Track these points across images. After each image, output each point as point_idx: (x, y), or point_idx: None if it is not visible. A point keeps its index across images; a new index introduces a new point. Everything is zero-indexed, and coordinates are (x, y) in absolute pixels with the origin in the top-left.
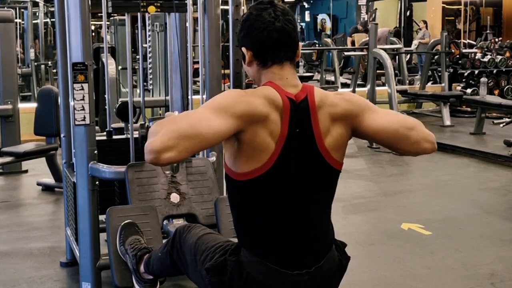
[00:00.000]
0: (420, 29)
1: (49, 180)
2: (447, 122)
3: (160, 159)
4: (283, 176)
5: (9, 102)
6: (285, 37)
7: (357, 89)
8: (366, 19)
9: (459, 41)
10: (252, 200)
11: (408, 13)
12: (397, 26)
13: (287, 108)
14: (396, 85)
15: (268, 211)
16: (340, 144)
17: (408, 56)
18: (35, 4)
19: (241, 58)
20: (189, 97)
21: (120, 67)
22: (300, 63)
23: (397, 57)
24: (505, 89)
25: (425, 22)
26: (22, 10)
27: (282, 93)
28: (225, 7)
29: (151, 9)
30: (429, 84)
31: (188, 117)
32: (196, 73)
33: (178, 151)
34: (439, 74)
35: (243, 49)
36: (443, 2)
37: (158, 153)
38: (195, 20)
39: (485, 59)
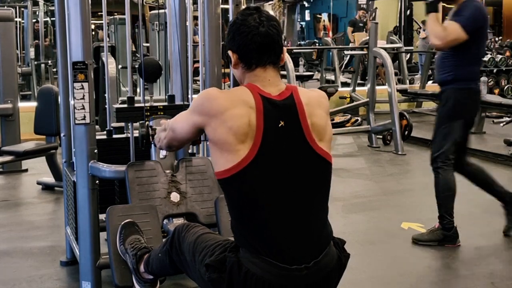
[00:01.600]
0: (422, 30)
1: (49, 179)
2: None
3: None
4: (270, 169)
5: (9, 101)
6: (268, 41)
7: (357, 88)
8: (356, 16)
9: None
10: (243, 196)
11: (408, 12)
12: (397, 25)
13: (259, 104)
14: (396, 84)
15: (261, 205)
16: (328, 136)
17: (408, 55)
18: (35, 3)
19: (227, 58)
20: (189, 96)
21: (120, 66)
22: (300, 62)
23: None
24: (505, 88)
25: (424, 22)
26: (22, 9)
27: (254, 92)
28: (225, 6)
29: None
30: (429, 83)
31: (177, 116)
32: (196, 72)
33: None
34: None
35: (229, 52)
36: (443, 2)
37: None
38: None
39: (485, 59)
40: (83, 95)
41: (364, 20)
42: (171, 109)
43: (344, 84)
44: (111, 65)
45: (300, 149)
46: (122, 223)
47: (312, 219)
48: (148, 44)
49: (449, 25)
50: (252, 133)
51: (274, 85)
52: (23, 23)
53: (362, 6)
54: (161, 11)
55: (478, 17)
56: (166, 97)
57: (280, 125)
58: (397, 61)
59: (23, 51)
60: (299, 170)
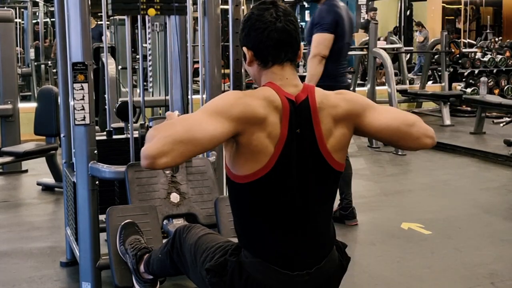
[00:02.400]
0: (418, 32)
1: (49, 180)
2: (447, 121)
3: (155, 164)
4: (284, 178)
5: (9, 102)
6: (286, 37)
7: (357, 88)
8: (366, 17)
9: (459, 40)
10: (252, 202)
11: (408, 13)
12: (397, 25)
13: (286, 110)
14: (396, 84)
15: (269, 213)
16: (342, 145)
17: (408, 55)
18: (35, 4)
19: (241, 58)
20: (189, 96)
21: (120, 67)
22: (300, 63)
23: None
24: (505, 88)
25: (418, 24)
26: (22, 10)
27: (281, 94)
28: (225, 6)
29: (151, 11)
30: (429, 83)
31: (184, 121)
32: (196, 72)
33: (172, 157)
34: (439, 73)
35: (244, 48)
36: (443, 2)
37: (153, 159)
38: (195, 20)
39: (485, 59)
40: (83, 96)
41: (376, 21)
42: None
43: None
44: (111, 66)
45: (311, 159)
46: (122, 223)
47: (317, 226)
48: (148, 45)
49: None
50: (275, 140)
51: (293, 84)
52: (23, 24)
53: (372, 6)
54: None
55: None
56: (166, 98)
57: (297, 131)
58: (397, 62)
59: (23, 52)
60: (309, 180)
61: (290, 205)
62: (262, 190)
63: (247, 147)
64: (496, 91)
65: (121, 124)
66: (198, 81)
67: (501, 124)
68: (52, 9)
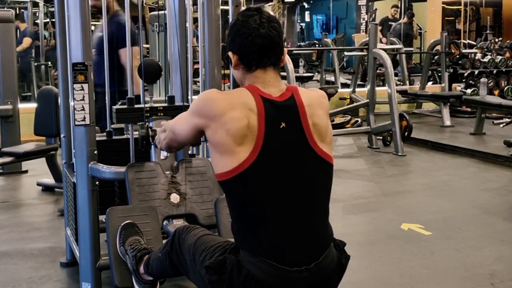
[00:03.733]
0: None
1: (49, 180)
2: (447, 122)
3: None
4: (271, 171)
5: (9, 102)
6: (269, 43)
7: (357, 89)
8: (366, 19)
9: (459, 41)
10: (243, 197)
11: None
12: None
13: (260, 106)
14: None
15: (262, 207)
16: (329, 137)
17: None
18: (35, 5)
19: (227, 59)
20: (189, 97)
21: None
22: (300, 64)
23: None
24: (505, 89)
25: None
26: (22, 10)
27: (255, 93)
28: (225, 7)
29: None
30: (429, 84)
31: (177, 117)
32: (196, 73)
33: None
34: (439, 74)
35: (230, 53)
36: (443, 2)
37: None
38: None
39: (485, 60)
40: (83, 96)
41: (397, 18)
42: (171, 110)
43: (344, 85)
44: None
45: (301, 151)
46: (122, 224)
47: (313, 221)
48: (148, 45)
49: None
50: (252, 135)
51: (275, 86)
52: None
53: (395, 4)
54: (161, 12)
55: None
56: (166, 98)
57: (281, 126)
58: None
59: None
60: (300, 172)
61: (282, 199)
62: (250, 184)
63: (213, 143)
64: (496, 92)
65: (121, 125)
66: (198, 81)
67: (501, 125)
68: (52, 9)
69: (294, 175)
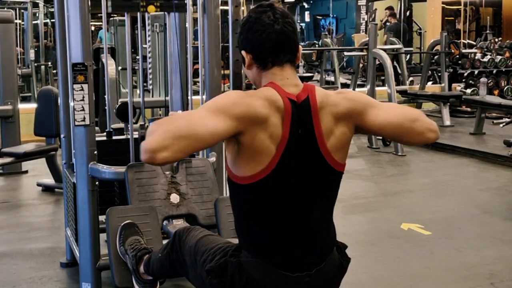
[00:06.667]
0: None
1: (49, 180)
2: (447, 122)
3: (155, 158)
4: (285, 179)
5: (9, 103)
6: (284, 39)
7: (357, 89)
8: (366, 19)
9: (458, 41)
10: (253, 203)
11: (407, 13)
12: None
13: (288, 110)
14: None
15: (270, 213)
16: (343, 144)
17: (408, 56)
18: (35, 5)
19: (240, 59)
20: (189, 97)
21: (120, 68)
22: (300, 64)
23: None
24: (504, 89)
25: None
26: (22, 10)
27: (283, 94)
28: (225, 7)
29: (151, 8)
30: (429, 84)
31: (186, 117)
32: (196, 73)
33: (173, 151)
34: (439, 74)
35: (243, 52)
36: (443, 2)
37: (153, 153)
38: (195, 20)
39: (485, 59)
40: (83, 97)
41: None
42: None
43: (344, 85)
44: (111, 67)
45: (312, 159)
46: (122, 224)
47: (318, 228)
48: (148, 46)
49: None
50: (277, 140)
51: (293, 84)
52: (23, 24)
53: (389, 5)
54: (160, 12)
55: None
56: (166, 99)
57: (299, 131)
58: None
59: (23, 53)
60: (310, 180)
61: (291, 206)
62: (263, 191)
63: (249, 148)
64: (496, 92)
65: (121, 125)
66: (198, 81)
67: (501, 125)
68: (52, 10)
69: (303, 184)
